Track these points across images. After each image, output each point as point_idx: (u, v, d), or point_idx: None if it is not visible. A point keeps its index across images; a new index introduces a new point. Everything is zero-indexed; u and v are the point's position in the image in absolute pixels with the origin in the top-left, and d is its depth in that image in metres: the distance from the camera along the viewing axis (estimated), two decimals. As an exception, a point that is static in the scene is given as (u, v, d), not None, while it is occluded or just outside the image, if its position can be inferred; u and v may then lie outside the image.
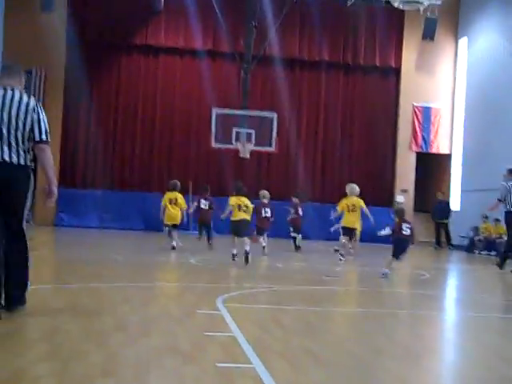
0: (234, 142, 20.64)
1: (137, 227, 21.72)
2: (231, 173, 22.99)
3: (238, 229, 12.51)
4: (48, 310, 6.31)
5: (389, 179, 24.37)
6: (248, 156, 20.81)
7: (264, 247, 14.65)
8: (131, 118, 23.42)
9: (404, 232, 10.88)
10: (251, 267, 11.93)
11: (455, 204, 23.13)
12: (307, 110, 24.17)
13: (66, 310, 6.16)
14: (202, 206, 15.56)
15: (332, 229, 15.41)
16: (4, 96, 5.51)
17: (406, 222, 11.13)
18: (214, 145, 20.69)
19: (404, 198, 23.67)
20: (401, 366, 4.81)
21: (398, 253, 10.93)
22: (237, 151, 21.14)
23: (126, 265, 11.05)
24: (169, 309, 6.63)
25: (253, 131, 20.69)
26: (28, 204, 5.77)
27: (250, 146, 20.61)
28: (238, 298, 7.66)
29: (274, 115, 21.22)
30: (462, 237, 21.59)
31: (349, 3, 23.36)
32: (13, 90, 5.57)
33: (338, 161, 24.23)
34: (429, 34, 23.01)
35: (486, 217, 20.25)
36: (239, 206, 12.60)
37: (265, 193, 15.12)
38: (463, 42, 24.01)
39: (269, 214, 14.72)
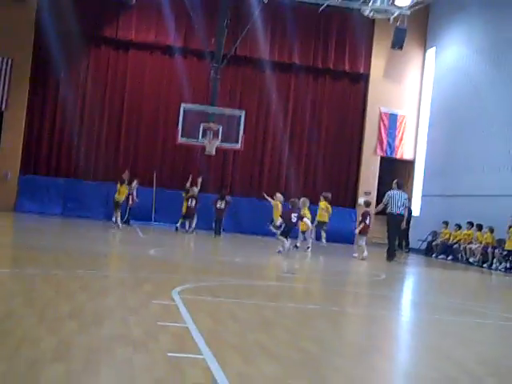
0: (200, 137, 20.60)
1: (98, 217, 21.58)
2: (196, 167, 23.07)
3: None
4: (3, 295, 6.28)
5: (353, 181, 24.67)
6: (213, 152, 20.81)
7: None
8: (98, 109, 23.24)
9: (292, 220, 14.99)
10: (209, 261, 11.98)
11: (416, 209, 23.49)
12: (275, 111, 24.27)
13: (21, 296, 6.12)
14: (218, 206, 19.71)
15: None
16: None
17: (294, 212, 15.17)
18: (179, 140, 20.65)
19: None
20: (350, 364, 4.91)
21: (285, 233, 14.92)
22: (203, 147, 21.14)
23: (86, 253, 10.99)
24: (124, 298, 6.64)
25: (220, 127, 20.68)
26: None
27: (217, 143, 20.60)
28: (194, 290, 7.70)
29: (242, 113, 21.25)
30: (421, 240, 21.94)
31: (321, 8, 23.53)
32: None
33: (303, 161, 24.40)
34: (398, 43, 23.33)
35: (447, 223, 20.65)
36: None
37: (194, 189, 19.82)
38: (431, 52, 24.39)
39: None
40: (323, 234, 18.55)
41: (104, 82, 23.35)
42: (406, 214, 16.70)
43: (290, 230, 15.17)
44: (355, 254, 16.37)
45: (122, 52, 23.51)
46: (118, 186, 18.79)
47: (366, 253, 15.98)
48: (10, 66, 22.12)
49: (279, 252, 14.69)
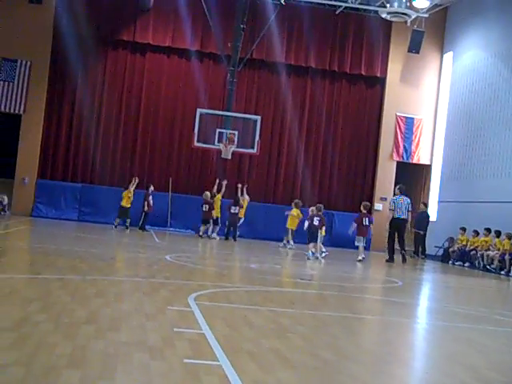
0: (216, 142, 20.66)
1: (114, 222, 21.65)
2: (212, 172, 23.16)
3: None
4: (19, 300, 6.31)
5: (369, 186, 24.55)
6: (229, 157, 20.85)
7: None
8: (115, 113, 23.34)
9: (315, 223, 15.82)
10: (225, 266, 11.97)
11: (432, 214, 23.35)
12: (291, 115, 24.23)
13: (37, 301, 6.14)
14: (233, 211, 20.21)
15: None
16: None
17: (317, 216, 16.04)
18: (195, 144, 20.70)
19: (382, 205, 23.87)
20: (366, 372, 4.89)
21: (312, 239, 15.77)
22: (219, 151, 21.19)
23: (102, 258, 11.04)
24: (141, 304, 6.65)
25: (236, 132, 20.74)
26: None
27: (233, 147, 20.65)
28: (210, 296, 7.70)
29: (258, 118, 21.26)
30: (437, 247, 21.78)
31: (338, 11, 23.52)
32: None
33: (319, 166, 24.34)
34: (415, 47, 23.27)
35: (464, 229, 20.50)
36: None
37: (206, 194, 20.30)
38: (448, 56, 24.25)
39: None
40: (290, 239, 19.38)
41: (121, 85, 23.44)
42: (409, 218, 17.71)
43: (314, 234, 15.97)
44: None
45: (139, 55, 23.59)
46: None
47: (362, 255, 16.57)
48: (28, 69, 22.29)
49: (308, 258, 15.44)
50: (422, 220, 21.38)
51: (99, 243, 14.87)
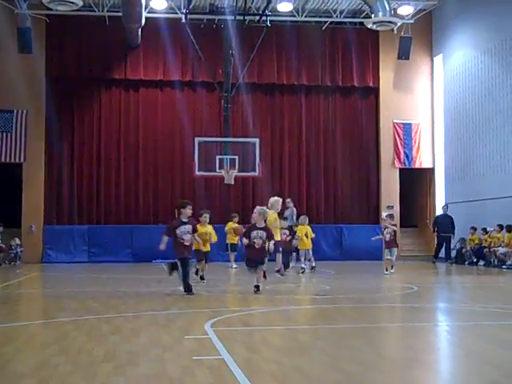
0: (217, 169, 20.65)
1: (125, 260, 21.62)
2: (217, 199, 23.14)
3: None
4: (36, 345, 6.28)
5: (374, 197, 24.48)
6: (232, 182, 20.83)
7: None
8: (114, 151, 23.42)
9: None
10: (238, 291, 11.90)
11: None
12: (289, 134, 24.30)
13: (54, 344, 6.11)
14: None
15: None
16: None
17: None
18: (197, 173, 20.70)
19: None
20: (392, 380, 4.82)
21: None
22: (221, 178, 21.17)
23: (114, 297, 10.98)
24: (157, 336, 6.60)
25: (236, 157, 20.73)
26: None
27: (235, 172, 20.63)
28: (226, 322, 7.65)
29: (257, 140, 21.28)
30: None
31: (324, 26, 23.68)
32: None
33: (322, 182, 24.30)
34: (404, 53, 23.39)
35: (474, 228, 20.43)
36: None
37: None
38: (438, 59, 24.33)
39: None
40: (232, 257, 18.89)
41: (117, 123, 23.54)
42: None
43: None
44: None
45: (132, 91, 23.73)
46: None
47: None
48: (25, 118, 22.44)
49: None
50: (448, 223, 21.19)
51: (111, 282, 14.82)
